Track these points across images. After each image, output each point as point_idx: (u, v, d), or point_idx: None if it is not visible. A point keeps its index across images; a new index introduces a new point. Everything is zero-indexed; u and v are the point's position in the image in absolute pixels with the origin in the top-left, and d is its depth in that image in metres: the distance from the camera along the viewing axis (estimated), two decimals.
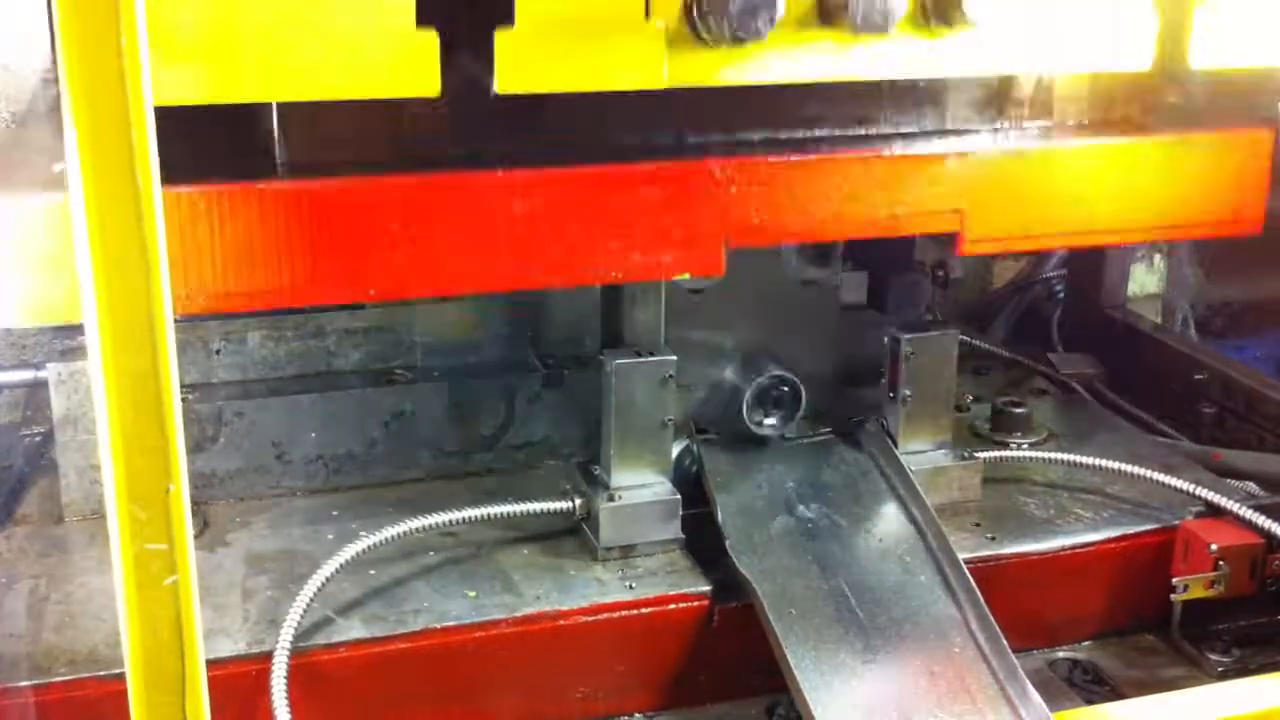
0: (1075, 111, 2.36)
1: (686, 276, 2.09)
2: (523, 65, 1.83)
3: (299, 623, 2.00)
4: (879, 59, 2.01)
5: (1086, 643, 2.44)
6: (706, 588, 2.21)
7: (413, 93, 1.78)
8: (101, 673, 1.92)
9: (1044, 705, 1.96)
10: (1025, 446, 2.72)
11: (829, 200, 2.10)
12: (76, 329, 2.40)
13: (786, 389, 2.44)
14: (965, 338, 2.81)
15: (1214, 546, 2.30)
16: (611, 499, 2.29)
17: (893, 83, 2.21)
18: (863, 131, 2.26)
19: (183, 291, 1.76)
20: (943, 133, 2.29)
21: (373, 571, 2.21)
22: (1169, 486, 2.45)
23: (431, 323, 2.60)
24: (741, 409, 2.42)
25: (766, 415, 2.46)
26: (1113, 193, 2.26)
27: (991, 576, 2.27)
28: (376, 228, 1.88)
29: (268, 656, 1.94)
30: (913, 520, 2.32)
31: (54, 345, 2.46)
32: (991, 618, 2.10)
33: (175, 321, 1.26)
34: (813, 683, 2.00)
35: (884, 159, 2.14)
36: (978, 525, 2.44)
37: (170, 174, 1.24)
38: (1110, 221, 2.29)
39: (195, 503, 2.11)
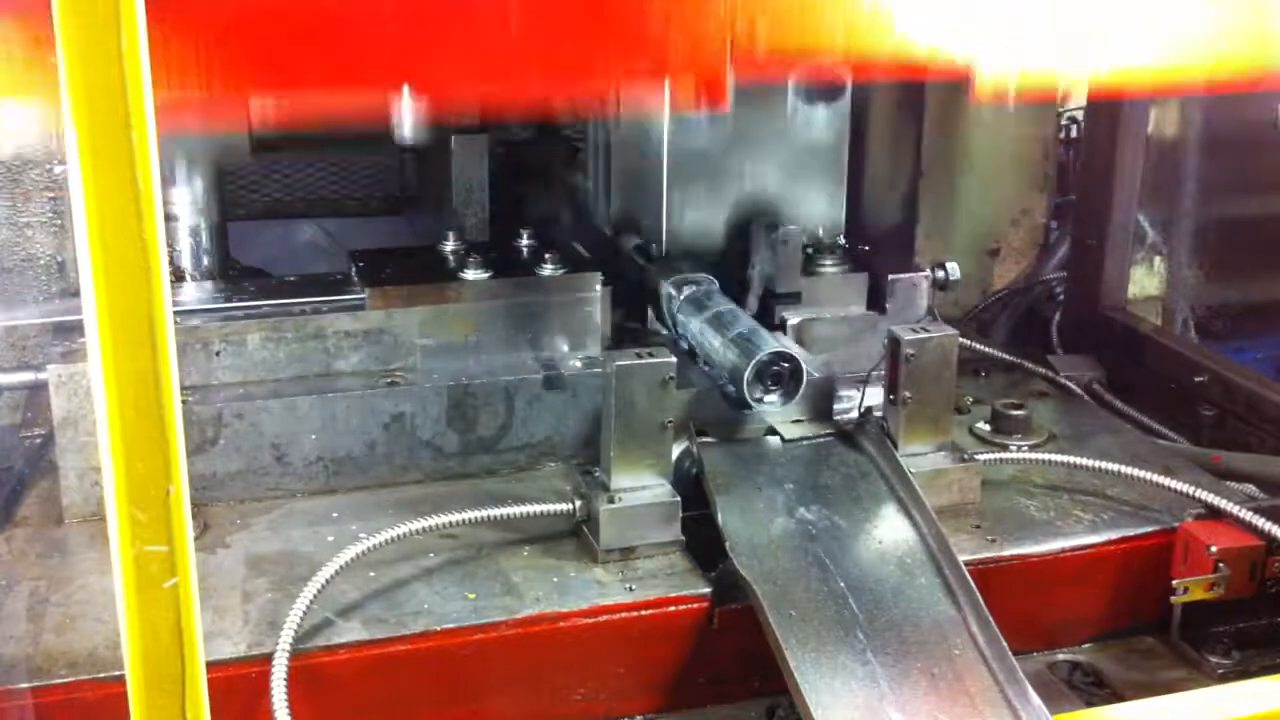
0: None
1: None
2: None
3: (299, 625, 2.00)
4: None
5: (1086, 645, 2.44)
6: (706, 590, 2.22)
7: None
8: (101, 675, 1.92)
9: (1044, 707, 1.96)
10: (1025, 448, 2.72)
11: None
12: (77, 330, 2.41)
13: (787, 365, 2.43)
14: (965, 340, 2.81)
15: (1214, 548, 2.30)
16: (611, 501, 2.29)
17: None
18: None
19: None
20: None
21: (373, 573, 2.21)
22: (1169, 489, 2.44)
23: (431, 324, 2.60)
24: (741, 385, 2.40)
25: (766, 392, 2.44)
26: None
27: (991, 578, 2.27)
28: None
29: (268, 658, 1.94)
30: (913, 522, 2.32)
31: (54, 347, 2.46)
32: (991, 620, 2.10)
33: (175, 323, 1.26)
34: (813, 684, 2.00)
35: None
36: (978, 527, 2.45)
37: None
38: None
39: (195, 505, 2.11)
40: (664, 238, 2.80)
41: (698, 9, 1.95)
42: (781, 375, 2.43)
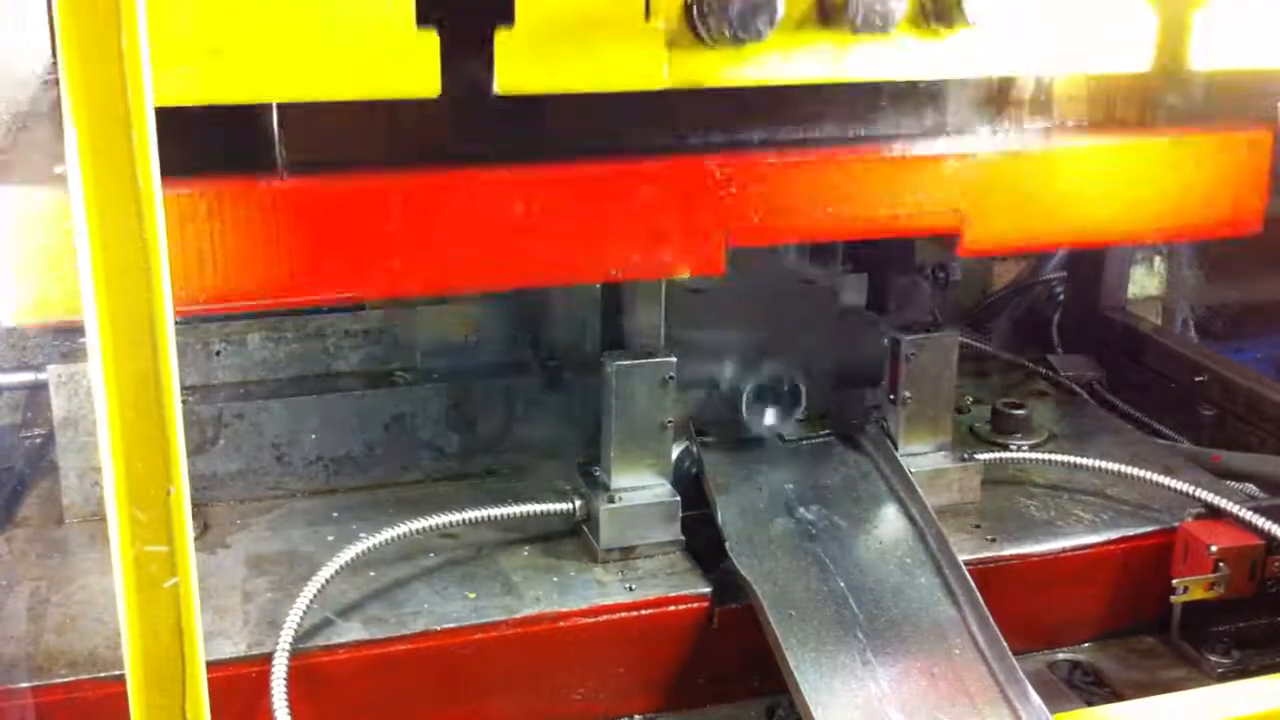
0: (1074, 112, 2.36)
1: (686, 275, 2.09)
2: (523, 65, 1.83)
3: (299, 624, 2.00)
4: (879, 59, 2.01)
5: (1086, 644, 2.44)
6: (706, 589, 2.21)
7: (412, 93, 1.78)
8: (102, 674, 1.92)
9: (1044, 707, 1.96)
10: (1025, 448, 2.72)
11: (828, 200, 2.10)
12: (77, 330, 2.41)
13: (786, 387, 2.43)
14: (965, 339, 2.81)
15: (1214, 548, 2.30)
16: (611, 500, 2.29)
17: (892, 83, 2.21)
18: (863, 131, 2.26)
19: (184, 292, 1.76)
20: (943, 133, 2.29)
21: (373, 573, 2.21)
22: (1169, 488, 2.45)
23: (431, 324, 2.60)
24: (740, 407, 2.42)
25: (765, 413, 2.45)
26: (1111, 193, 2.26)
27: (991, 578, 2.27)
28: (375, 226, 1.88)
29: (268, 658, 1.94)
30: (913, 522, 2.32)
31: (54, 347, 2.46)
32: (991, 619, 2.10)
33: (175, 323, 1.25)
34: (813, 684, 2.00)
35: (883, 159, 2.14)
36: (977, 527, 2.44)
37: (170, 173, 1.24)
38: (1108, 222, 2.29)
39: (195, 504, 2.10)
40: None
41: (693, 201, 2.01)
42: (780, 397, 2.44)
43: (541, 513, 2.32)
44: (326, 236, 1.86)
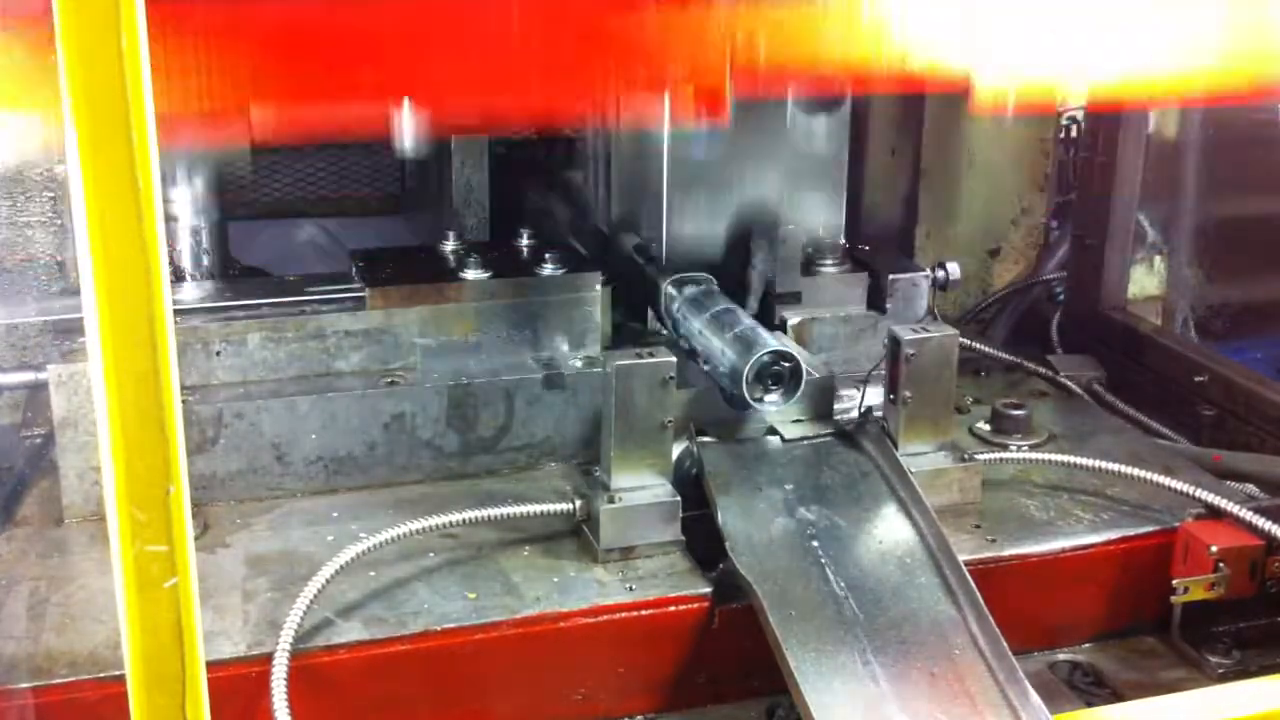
0: None
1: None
2: None
3: (299, 624, 2.00)
4: None
5: (1086, 645, 2.44)
6: (707, 589, 2.21)
7: None
8: (102, 675, 1.92)
9: (1044, 707, 1.96)
10: (1025, 448, 2.72)
11: None
12: (77, 330, 2.41)
13: (787, 365, 2.42)
14: (965, 339, 2.81)
15: (1214, 548, 2.30)
16: (612, 501, 2.29)
17: None
18: None
19: None
20: None
21: (373, 573, 2.21)
22: (1169, 488, 2.44)
23: (431, 324, 2.60)
24: (741, 385, 2.40)
25: (767, 392, 2.43)
26: None
27: (991, 578, 2.27)
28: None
29: (268, 658, 1.94)
30: (913, 522, 2.32)
31: (55, 347, 2.46)
32: (991, 619, 2.10)
33: (175, 323, 1.26)
34: (813, 684, 2.00)
35: None
36: (978, 527, 2.44)
37: None
38: None
39: (195, 504, 2.11)
40: (664, 246, 2.78)
41: (698, 23, 1.96)
42: (782, 375, 2.43)
43: (541, 513, 2.32)
44: None
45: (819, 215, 2.91)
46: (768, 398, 2.43)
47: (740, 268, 2.82)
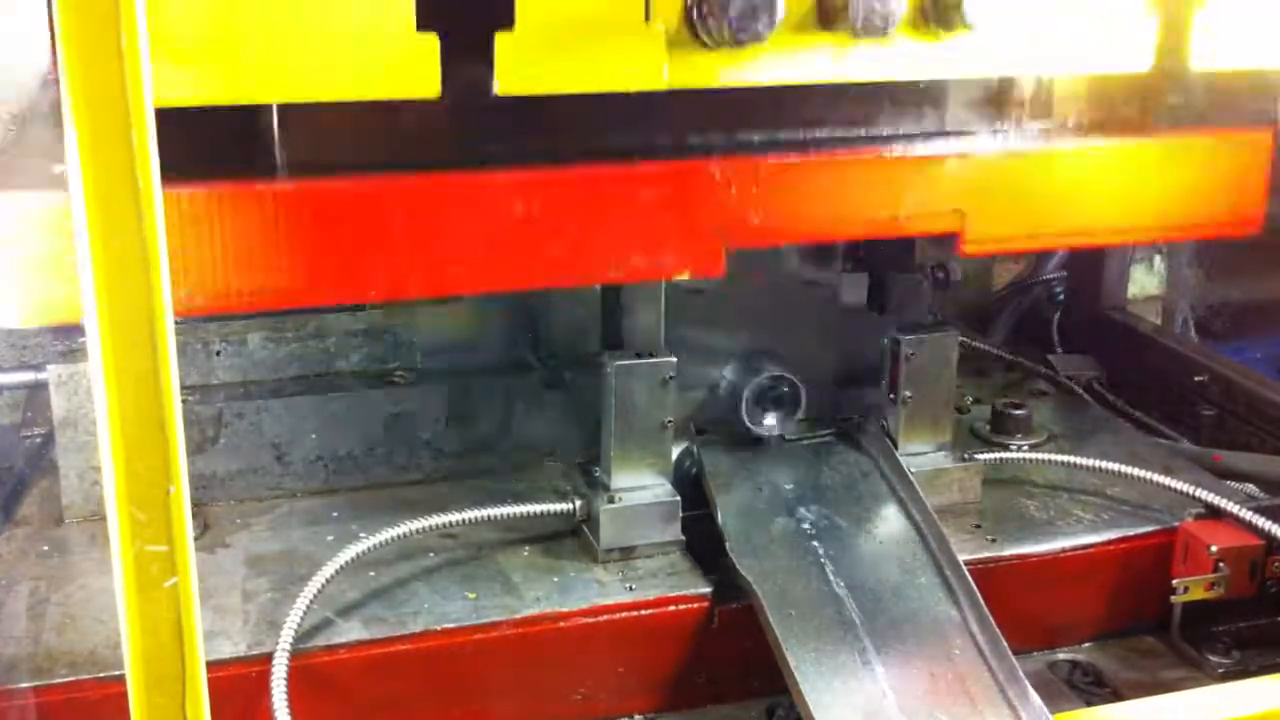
0: (1074, 112, 2.36)
1: (686, 276, 2.09)
2: (523, 67, 1.83)
3: (299, 624, 2.00)
4: (879, 61, 2.01)
5: (1086, 644, 2.44)
6: (706, 589, 2.21)
7: (412, 94, 1.79)
8: (102, 674, 1.92)
9: (1044, 707, 1.96)
10: (1025, 448, 2.72)
11: (828, 202, 2.11)
12: (77, 330, 2.41)
13: (786, 388, 2.44)
14: (965, 339, 2.81)
15: (1214, 548, 2.30)
16: (612, 500, 2.29)
17: (892, 84, 2.21)
18: (862, 133, 2.26)
19: (183, 292, 1.76)
20: (943, 134, 2.29)
21: (373, 573, 2.21)
22: (1169, 488, 2.44)
23: (431, 324, 2.60)
24: (740, 409, 2.42)
25: (765, 414, 2.45)
26: (1111, 193, 2.26)
27: (991, 578, 2.27)
28: (376, 228, 1.88)
29: (268, 658, 1.94)
30: (913, 522, 2.32)
31: (54, 346, 2.46)
32: (991, 619, 2.10)
33: (175, 323, 1.26)
34: (813, 684, 2.00)
35: (881, 160, 2.14)
36: (978, 527, 2.45)
37: (170, 174, 1.24)
38: (1108, 221, 2.29)
39: (195, 504, 2.11)
40: None
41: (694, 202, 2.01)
42: (781, 398, 2.44)
43: (541, 513, 2.32)
44: (326, 239, 1.86)
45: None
46: (766, 420, 2.45)
47: None
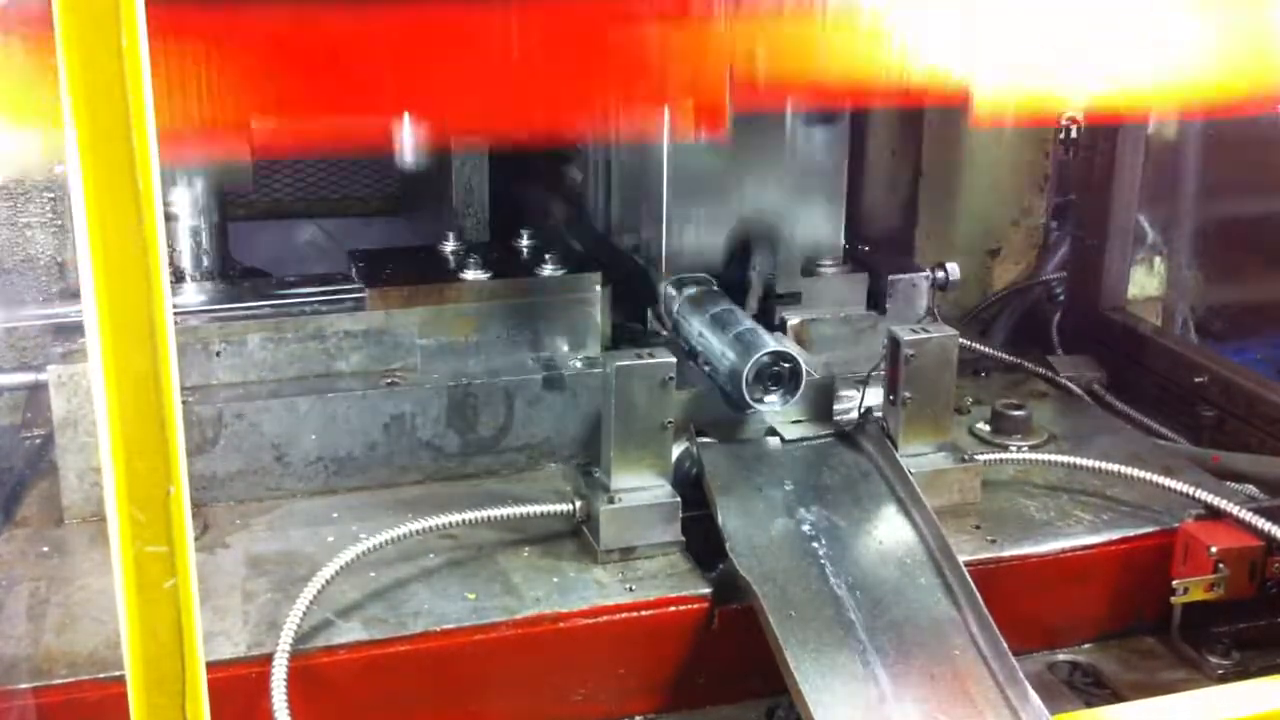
0: None
1: None
2: None
3: (299, 625, 2.00)
4: None
5: (1086, 645, 2.44)
6: (706, 590, 2.21)
7: None
8: (101, 675, 1.92)
9: (1044, 707, 1.96)
10: (1025, 449, 2.72)
11: None
12: (77, 330, 2.41)
13: (787, 365, 2.42)
14: (965, 340, 2.81)
15: (1214, 549, 2.30)
16: (611, 501, 2.29)
17: None
18: None
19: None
20: None
21: (373, 574, 2.21)
22: (1169, 489, 2.45)
23: (431, 324, 2.60)
24: (741, 386, 2.40)
25: (766, 392, 2.44)
26: None
27: (991, 579, 2.27)
28: None
29: (268, 659, 1.94)
30: (913, 523, 2.32)
31: (54, 347, 2.46)
32: (991, 620, 2.10)
33: (175, 323, 1.26)
34: (813, 685, 2.00)
35: None
36: (978, 528, 2.45)
37: None
38: None
39: (195, 505, 2.11)
40: (664, 255, 2.77)
41: (697, 39, 1.97)
42: (781, 375, 2.43)
43: (541, 513, 2.32)
44: None
45: (817, 227, 2.89)
46: (767, 398, 2.44)
47: (740, 270, 2.81)
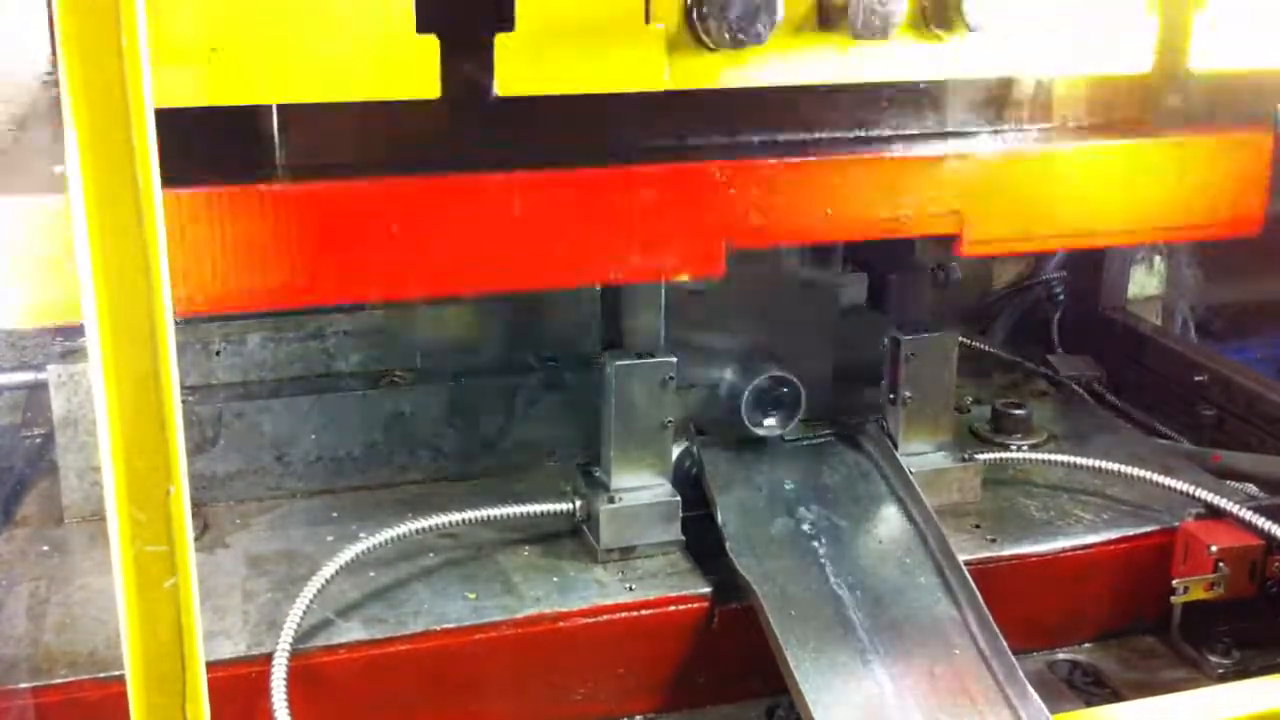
0: (1074, 114, 2.36)
1: (685, 278, 2.09)
2: (524, 67, 1.83)
3: (299, 625, 2.00)
4: (878, 62, 2.01)
5: (1086, 644, 2.44)
6: (706, 589, 2.22)
7: (412, 95, 1.79)
8: (101, 675, 1.92)
9: (1044, 707, 1.96)
10: (1025, 448, 2.72)
11: (828, 202, 2.11)
12: (77, 330, 2.41)
13: (786, 390, 2.44)
14: (965, 339, 2.81)
15: (1214, 548, 2.30)
16: (611, 501, 2.29)
17: (892, 85, 2.21)
18: (862, 133, 2.26)
19: (183, 292, 1.76)
20: (943, 135, 2.29)
21: (373, 573, 2.21)
22: (1169, 488, 2.45)
23: (431, 324, 2.60)
24: (741, 410, 2.42)
25: (766, 416, 2.45)
26: (1111, 194, 2.26)
27: (991, 578, 2.27)
28: (376, 229, 1.88)
29: (268, 658, 1.95)
30: (913, 522, 2.32)
31: (54, 347, 2.46)
32: (991, 619, 2.10)
33: (175, 323, 1.26)
34: (813, 684, 2.00)
35: (881, 161, 2.14)
36: (978, 527, 2.45)
37: (170, 176, 1.24)
38: (1108, 222, 2.30)
39: (195, 504, 2.11)
40: None
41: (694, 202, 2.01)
42: (781, 400, 2.44)
43: (541, 513, 2.32)
44: (326, 240, 1.86)
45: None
46: (766, 421, 2.45)
47: None
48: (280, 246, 1.83)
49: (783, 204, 2.07)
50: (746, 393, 2.40)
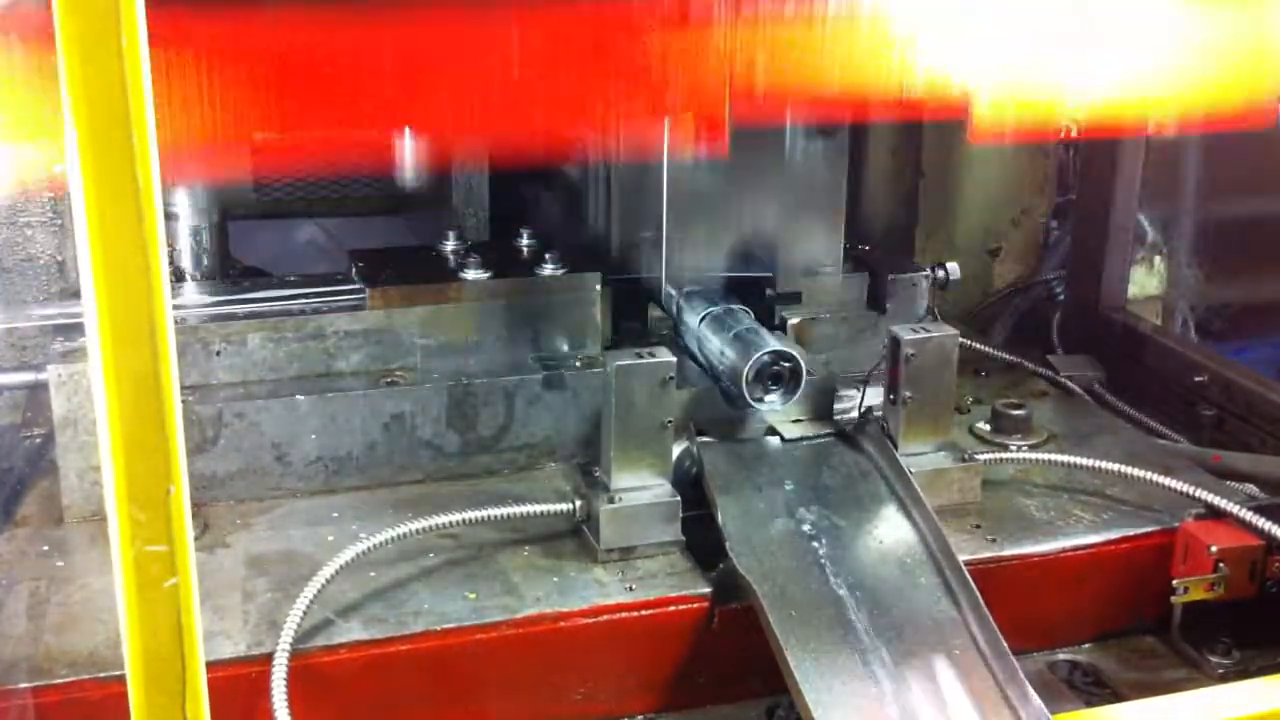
0: None
1: None
2: None
3: (299, 625, 2.00)
4: None
5: (1086, 645, 2.44)
6: (706, 589, 2.22)
7: None
8: (102, 674, 1.92)
9: (1044, 707, 1.96)
10: (1025, 448, 2.72)
11: None
12: (77, 330, 2.41)
13: (787, 365, 2.43)
14: (965, 339, 2.81)
15: (1214, 548, 2.30)
16: (612, 501, 2.29)
17: None
18: None
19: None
20: None
21: (373, 573, 2.21)
22: (1169, 488, 2.44)
23: (431, 324, 2.60)
24: (741, 385, 2.40)
25: (767, 392, 2.44)
26: None
27: (991, 578, 2.27)
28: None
29: (268, 658, 1.95)
30: (913, 522, 2.32)
31: (54, 347, 2.46)
32: (991, 619, 2.10)
33: (175, 323, 1.26)
34: (813, 684, 2.00)
35: None
36: (978, 527, 2.45)
37: None
38: None
39: (195, 504, 2.11)
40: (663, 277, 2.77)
41: (697, 51, 1.97)
42: (781, 375, 2.43)
43: (541, 513, 2.32)
44: None
45: (818, 247, 2.85)
46: (768, 397, 2.44)
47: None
48: None
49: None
50: (747, 369, 2.38)
